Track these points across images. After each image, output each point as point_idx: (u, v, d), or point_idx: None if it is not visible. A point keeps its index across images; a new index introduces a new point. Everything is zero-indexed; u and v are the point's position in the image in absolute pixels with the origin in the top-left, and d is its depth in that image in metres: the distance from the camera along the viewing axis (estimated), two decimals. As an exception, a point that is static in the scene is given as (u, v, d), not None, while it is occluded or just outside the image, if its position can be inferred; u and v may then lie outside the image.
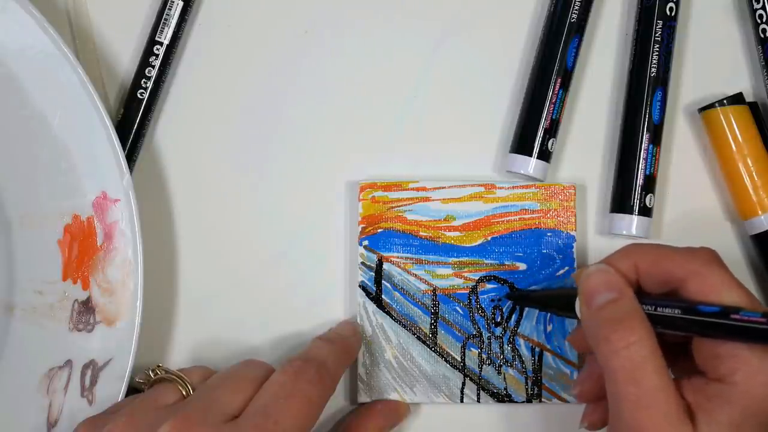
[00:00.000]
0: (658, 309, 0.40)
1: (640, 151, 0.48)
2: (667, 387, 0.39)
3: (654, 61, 0.48)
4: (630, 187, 0.48)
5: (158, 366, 0.46)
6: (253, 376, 0.43)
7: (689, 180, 0.50)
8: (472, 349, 0.48)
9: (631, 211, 0.48)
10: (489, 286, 0.49)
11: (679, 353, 0.43)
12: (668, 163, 0.50)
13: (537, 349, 0.48)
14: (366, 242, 0.49)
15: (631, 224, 0.48)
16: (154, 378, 0.45)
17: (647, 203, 0.48)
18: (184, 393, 0.44)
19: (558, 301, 0.45)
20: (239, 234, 0.50)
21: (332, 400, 0.44)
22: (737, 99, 0.49)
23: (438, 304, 0.49)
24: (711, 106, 0.49)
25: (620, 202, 0.49)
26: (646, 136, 0.48)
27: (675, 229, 0.50)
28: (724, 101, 0.48)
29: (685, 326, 0.40)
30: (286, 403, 0.41)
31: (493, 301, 0.49)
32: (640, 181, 0.48)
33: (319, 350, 0.45)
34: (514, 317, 0.49)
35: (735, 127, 0.48)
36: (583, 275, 0.43)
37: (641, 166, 0.48)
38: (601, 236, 0.50)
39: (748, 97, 0.49)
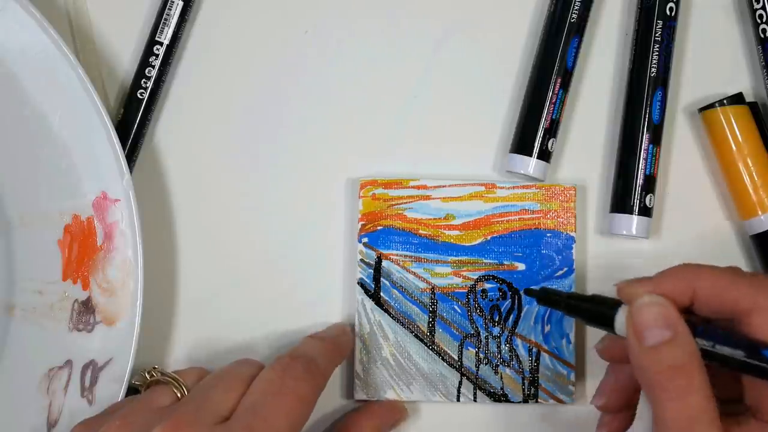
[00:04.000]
0: (717, 347, 0.37)
1: (640, 151, 0.48)
2: None
3: (654, 61, 0.48)
4: (630, 187, 0.48)
5: (154, 368, 0.46)
6: (245, 374, 0.43)
7: (689, 180, 0.50)
8: (469, 348, 0.49)
9: (631, 211, 0.48)
10: (487, 285, 0.49)
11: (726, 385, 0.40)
12: (668, 163, 0.50)
13: (534, 350, 0.48)
14: (365, 239, 0.49)
15: (631, 224, 0.48)
16: (150, 380, 0.45)
17: (647, 203, 0.48)
18: (179, 395, 0.44)
19: (590, 311, 0.42)
20: (239, 233, 0.50)
21: (328, 397, 0.44)
22: (737, 99, 0.48)
23: (436, 302, 0.49)
24: (711, 106, 0.49)
25: (620, 202, 0.48)
26: (646, 136, 0.48)
27: (675, 230, 0.50)
28: (724, 101, 0.48)
29: (745, 369, 0.37)
30: (274, 400, 0.41)
31: (492, 301, 0.49)
32: (640, 181, 0.48)
33: (307, 347, 0.45)
34: (512, 317, 0.49)
35: (735, 127, 0.48)
36: (636, 304, 0.39)
37: (641, 166, 0.48)
38: (601, 236, 0.50)
39: (748, 97, 0.49)
